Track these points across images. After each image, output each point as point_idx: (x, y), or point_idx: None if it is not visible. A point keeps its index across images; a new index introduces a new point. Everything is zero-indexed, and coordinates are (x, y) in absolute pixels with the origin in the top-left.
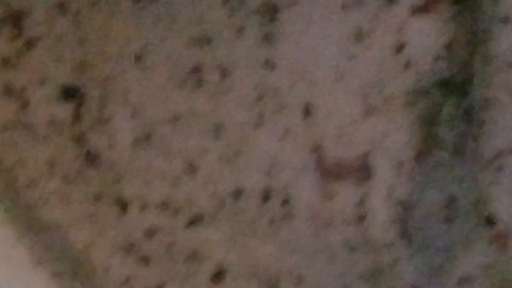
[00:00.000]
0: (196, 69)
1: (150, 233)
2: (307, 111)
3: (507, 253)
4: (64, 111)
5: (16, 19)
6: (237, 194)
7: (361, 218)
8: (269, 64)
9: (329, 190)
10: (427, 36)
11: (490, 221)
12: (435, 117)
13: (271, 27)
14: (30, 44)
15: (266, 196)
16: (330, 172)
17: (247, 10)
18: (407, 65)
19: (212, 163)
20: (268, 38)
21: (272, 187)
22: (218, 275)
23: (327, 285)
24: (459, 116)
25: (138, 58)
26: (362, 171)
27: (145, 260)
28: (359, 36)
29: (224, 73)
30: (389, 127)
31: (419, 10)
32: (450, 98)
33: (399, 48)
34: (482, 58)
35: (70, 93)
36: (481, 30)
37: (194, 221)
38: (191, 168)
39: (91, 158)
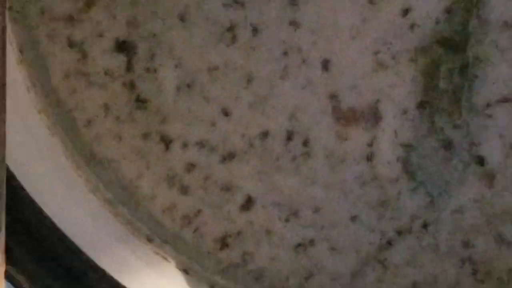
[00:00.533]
0: (231, 28)
1: (190, 167)
2: (326, 65)
3: (494, 189)
4: (117, 62)
5: None
6: (264, 135)
7: (370, 157)
8: (294, 24)
9: (343, 133)
10: (429, 1)
11: (481, 162)
12: (435, 71)
13: None
14: (90, 3)
15: (289, 137)
16: (344, 117)
17: None
18: (412, 26)
19: (243, 108)
20: (293, 1)
21: (294, 129)
22: (247, 204)
23: (340, 214)
24: (456, 71)
25: (182, 17)
26: (372, 117)
27: (185, 190)
28: (371, 0)
29: (255, 31)
30: (396, 80)
31: None
32: (448, 55)
33: (405, 12)
34: (477, 21)
35: (123, 47)
36: None
37: (227, 157)
38: (225, 112)
39: (140, 102)
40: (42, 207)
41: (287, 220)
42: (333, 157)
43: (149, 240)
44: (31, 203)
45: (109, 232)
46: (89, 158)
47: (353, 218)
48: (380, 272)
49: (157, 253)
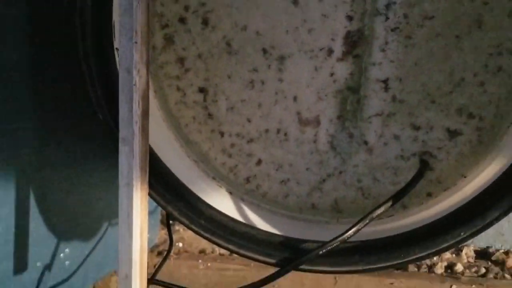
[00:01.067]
0: None
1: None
2: None
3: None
4: None
5: None
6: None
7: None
8: None
9: None
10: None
11: (365, 142)
12: (346, 101)
13: None
14: None
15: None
16: None
17: None
18: None
19: None
20: None
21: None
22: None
23: None
24: (354, 101)
25: None
26: None
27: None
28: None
29: None
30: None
31: None
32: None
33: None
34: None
35: None
36: None
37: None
38: None
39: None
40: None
41: None
42: None
43: (214, 178)
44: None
45: (190, 168)
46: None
47: None
48: None
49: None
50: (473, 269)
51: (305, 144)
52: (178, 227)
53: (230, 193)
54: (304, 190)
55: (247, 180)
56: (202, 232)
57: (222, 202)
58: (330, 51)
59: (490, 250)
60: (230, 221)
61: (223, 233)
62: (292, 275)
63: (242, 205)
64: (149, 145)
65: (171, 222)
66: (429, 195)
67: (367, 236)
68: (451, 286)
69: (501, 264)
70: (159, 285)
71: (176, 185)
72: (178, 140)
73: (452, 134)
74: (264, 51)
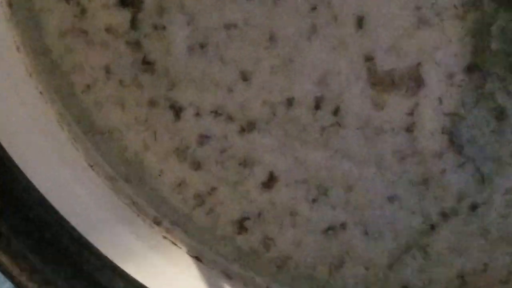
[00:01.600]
0: None
1: (203, 139)
2: (360, 22)
3: None
4: (121, 18)
5: None
6: (289, 102)
7: (410, 128)
8: None
9: (380, 100)
10: None
11: None
12: (486, 30)
13: None
14: None
15: (317, 105)
16: (381, 82)
17: None
18: None
19: (265, 72)
20: None
21: (323, 96)
22: (269, 181)
23: (376, 193)
24: (510, 29)
25: None
26: (413, 82)
27: (197, 165)
28: None
29: None
30: (441, 39)
31: None
32: (502, 12)
33: None
34: None
35: (127, 1)
36: None
37: (247, 128)
38: (244, 77)
39: (147, 65)
40: (33, 183)
41: (314, 201)
42: (368, 127)
43: (157, 222)
44: (22, 178)
45: (111, 213)
46: (88, 128)
47: (391, 199)
48: (422, 261)
49: (165, 237)
50: None
51: (384, 137)
52: None
53: (199, 259)
54: (382, 254)
55: (241, 226)
56: None
57: (176, 278)
58: None
59: None
60: None
61: None
62: None
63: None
64: None
65: None
66: None
67: None
68: None
69: None
70: None
71: (63, 242)
72: (70, 129)
73: None
74: None
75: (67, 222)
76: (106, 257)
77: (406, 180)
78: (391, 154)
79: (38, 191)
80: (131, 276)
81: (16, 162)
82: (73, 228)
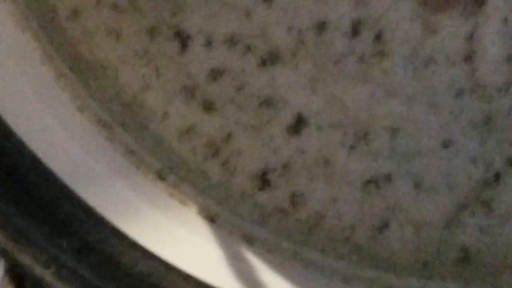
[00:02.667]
0: None
1: (216, 74)
2: None
3: None
4: None
5: None
6: (320, 27)
7: (468, 57)
8: None
9: (431, 22)
10: None
11: None
12: None
13: None
14: None
15: (355, 30)
16: (433, 0)
17: None
18: None
19: None
20: None
21: (362, 19)
22: (297, 125)
23: (428, 136)
24: None
25: None
26: None
27: (209, 106)
28: None
29: None
30: None
31: None
32: None
33: None
34: None
35: None
36: None
37: (269, 60)
38: None
39: None
40: (13, 129)
41: (352, 148)
42: (417, 57)
43: (161, 177)
44: (1, 125)
45: (106, 165)
46: (75, 63)
47: (446, 143)
48: (484, 219)
49: (172, 195)
50: None
51: (437, 68)
52: None
53: (212, 220)
54: (436, 211)
55: (264, 180)
56: None
57: (186, 243)
58: None
59: None
60: None
61: None
62: None
63: (252, 256)
64: None
65: None
66: None
67: None
68: None
69: None
70: None
71: (51, 197)
72: (54, 64)
73: None
74: None
75: (54, 175)
76: (101, 216)
77: (465, 120)
78: (445, 89)
79: (19, 138)
80: (132, 238)
81: None
82: (61, 183)
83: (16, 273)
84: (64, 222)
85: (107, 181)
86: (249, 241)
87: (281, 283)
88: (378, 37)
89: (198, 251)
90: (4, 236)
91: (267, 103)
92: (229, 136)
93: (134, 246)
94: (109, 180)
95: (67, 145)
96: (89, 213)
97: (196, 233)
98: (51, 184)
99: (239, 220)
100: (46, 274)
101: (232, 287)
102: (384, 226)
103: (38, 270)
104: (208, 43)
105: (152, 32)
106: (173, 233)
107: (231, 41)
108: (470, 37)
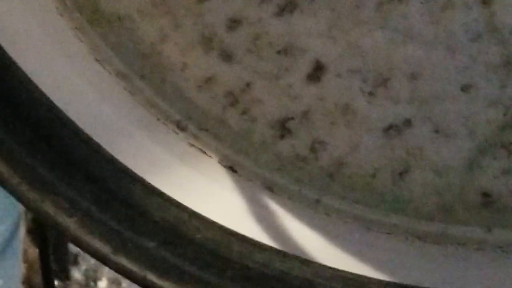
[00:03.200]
0: None
1: (233, 23)
2: None
3: None
4: None
5: None
6: None
7: (487, 1)
8: None
9: None
10: None
11: None
12: None
13: None
14: None
15: None
16: None
17: None
18: None
19: None
20: None
21: None
22: (316, 72)
23: (447, 80)
24: None
25: None
26: None
27: (228, 56)
28: None
29: None
30: None
31: None
32: None
33: None
34: None
35: None
36: None
37: (286, 7)
38: None
39: None
40: (33, 80)
41: (372, 93)
42: (434, 1)
43: (181, 127)
44: (19, 75)
45: (125, 116)
46: (93, 15)
47: (465, 87)
48: (506, 161)
49: (192, 145)
50: None
51: (455, 11)
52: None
53: (233, 169)
54: (457, 155)
55: (284, 128)
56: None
57: (207, 191)
58: None
59: None
60: (241, 245)
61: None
62: None
63: (273, 204)
64: None
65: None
66: None
67: None
68: None
69: None
70: None
71: (71, 146)
72: (71, 16)
73: None
74: None
75: (74, 124)
76: (123, 165)
77: (483, 64)
78: (463, 32)
79: (39, 90)
80: (154, 187)
81: (12, 57)
82: (84, 134)
83: (38, 231)
84: (87, 172)
85: (127, 131)
86: (270, 189)
87: (303, 230)
88: None
89: (219, 199)
90: (27, 185)
91: (285, 51)
92: (248, 85)
93: (157, 194)
94: (129, 130)
95: (87, 96)
96: (111, 162)
97: (218, 182)
98: (72, 134)
99: (259, 168)
100: (70, 223)
101: (254, 234)
102: (405, 171)
103: (62, 219)
104: None
105: None
106: (194, 182)
107: None
108: None
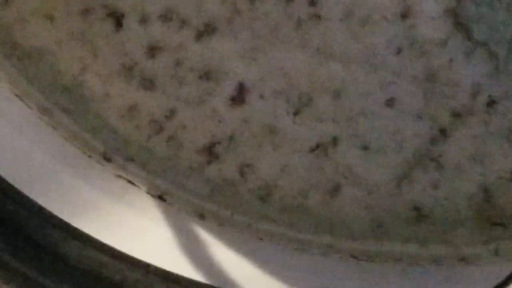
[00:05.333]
0: None
1: (153, 50)
2: None
3: None
4: None
5: None
6: None
7: (405, 14)
8: None
9: None
10: None
11: None
12: None
13: None
14: None
15: None
16: None
17: None
18: None
19: None
20: None
21: None
22: (239, 95)
23: (371, 96)
24: None
25: None
26: None
27: (150, 83)
28: None
29: None
30: None
31: None
32: None
33: None
34: None
35: None
36: None
37: (205, 32)
38: None
39: None
40: None
41: (297, 113)
42: (354, 17)
43: (106, 158)
44: None
45: (47, 152)
46: (10, 51)
47: (390, 102)
48: (435, 175)
49: (119, 176)
50: None
51: (375, 27)
52: None
53: (162, 198)
54: (387, 171)
55: (211, 153)
56: None
57: (135, 225)
58: None
59: None
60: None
61: None
62: None
63: (204, 232)
64: None
65: None
66: None
67: None
68: None
69: None
70: None
71: None
72: None
73: None
74: None
75: None
76: (39, 205)
77: (406, 77)
78: (384, 47)
79: None
80: (76, 229)
81: None
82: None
83: None
84: (4, 218)
85: (49, 168)
86: (201, 216)
87: (235, 257)
88: (312, 0)
89: (148, 232)
90: None
91: (207, 75)
92: (172, 112)
93: (76, 238)
94: (52, 167)
95: (6, 133)
96: (28, 206)
97: (146, 212)
98: None
99: (189, 195)
100: None
101: (185, 265)
102: (335, 190)
103: None
104: (143, 20)
105: (86, 13)
106: (122, 216)
107: (166, 16)
108: None
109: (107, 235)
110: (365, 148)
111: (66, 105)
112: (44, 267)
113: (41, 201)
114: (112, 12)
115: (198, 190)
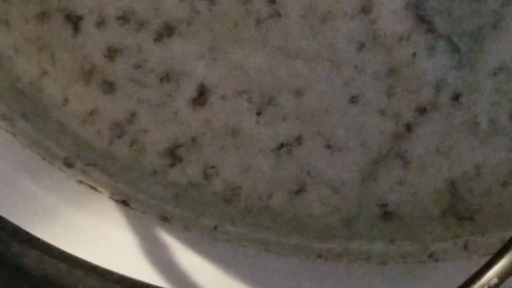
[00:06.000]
0: None
1: (112, 53)
2: None
3: None
4: None
5: None
6: None
7: (366, 8)
8: None
9: None
10: None
11: None
12: None
13: None
14: None
15: None
16: None
17: None
18: None
19: None
20: None
21: None
22: (201, 96)
23: (334, 94)
24: None
25: None
26: None
27: (110, 87)
28: None
29: None
30: None
31: None
32: None
33: None
34: None
35: None
36: None
37: (164, 33)
38: None
39: None
40: None
41: (259, 113)
42: (314, 13)
43: (67, 164)
44: None
45: (7, 159)
46: None
47: (353, 99)
48: (401, 171)
49: (81, 182)
50: None
51: (335, 23)
52: None
53: (125, 203)
54: (352, 169)
55: (173, 156)
56: None
57: (99, 231)
58: None
59: None
60: None
61: None
62: None
63: (169, 236)
64: None
65: None
66: None
67: None
68: None
69: None
70: None
71: None
72: None
73: None
74: None
75: None
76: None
77: (369, 73)
78: (346, 44)
79: None
80: (35, 238)
81: None
82: None
83: None
84: None
85: (9, 176)
86: (166, 219)
87: (200, 260)
88: None
89: (112, 238)
90: None
91: (167, 77)
92: (133, 115)
93: (35, 247)
94: (11, 174)
95: None
96: None
97: (110, 218)
98: None
99: (153, 199)
100: None
101: (149, 270)
102: (300, 189)
103: None
104: (101, 23)
105: (42, 17)
106: (85, 222)
107: (124, 17)
108: None
109: (69, 243)
110: (329, 146)
111: (25, 111)
112: (2, 277)
113: (4, 209)
114: (69, 16)
115: (162, 194)
